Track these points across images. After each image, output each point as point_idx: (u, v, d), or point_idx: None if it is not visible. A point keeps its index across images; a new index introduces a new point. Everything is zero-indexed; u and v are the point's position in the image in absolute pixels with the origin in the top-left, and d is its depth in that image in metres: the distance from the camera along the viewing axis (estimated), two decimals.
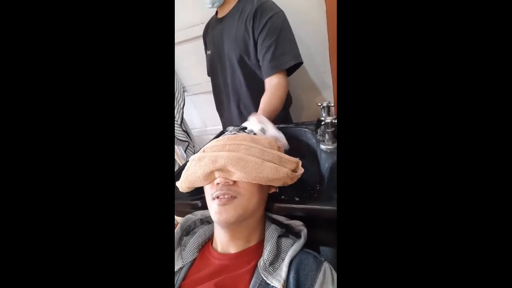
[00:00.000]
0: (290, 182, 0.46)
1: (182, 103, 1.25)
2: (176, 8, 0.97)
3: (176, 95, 1.22)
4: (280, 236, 0.44)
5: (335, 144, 0.59)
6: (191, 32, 1.13)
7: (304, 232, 0.44)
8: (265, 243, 0.42)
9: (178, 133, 1.25)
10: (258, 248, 0.43)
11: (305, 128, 0.75)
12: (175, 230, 0.49)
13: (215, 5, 0.80)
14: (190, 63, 1.23)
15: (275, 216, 0.49)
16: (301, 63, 0.76)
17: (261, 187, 0.44)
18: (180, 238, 0.49)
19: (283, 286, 0.36)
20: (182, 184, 0.48)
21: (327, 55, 0.98)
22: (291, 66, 0.75)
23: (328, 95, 1.07)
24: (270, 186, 0.47)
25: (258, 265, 0.39)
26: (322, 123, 0.62)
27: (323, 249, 0.55)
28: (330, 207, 0.42)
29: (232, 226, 0.42)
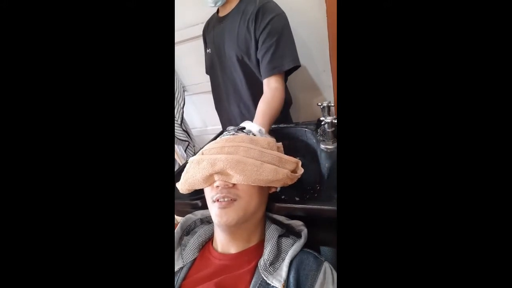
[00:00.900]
0: (290, 183, 0.46)
1: (182, 103, 1.25)
2: (176, 8, 0.97)
3: (176, 95, 1.22)
4: (280, 236, 0.44)
5: (335, 144, 0.59)
6: (191, 31, 1.13)
7: (304, 232, 0.44)
8: (265, 243, 0.42)
9: (178, 132, 1.25)
10: (259, 248, 0.43)
11: (305, 128, 0.75)
12: (175, 230, 0.49)
13: (217, 4, 0.80)
14: (190, 63, 1.23)
15: (275, 216, 0.49)
16: (299, 66, 0.76)
17: (261, 189, 0.44)
18: (181, 238, 0.49)
19: (283, 286, 0.36)
20: (182, 186, 0.48)
21: (327, 55, 0.98)
22: (289, 69, 0.75)
23: (328, 95, 1.07)
24: (270, 187, 0.47)
25: (259, 265, 0.39)
26: (322, 123, 0.62)
27: (323, 249, 0.55)
28: (330, 207, 0.42)
29: (233, 228, 0.42)
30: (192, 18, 1.10)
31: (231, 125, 0.72)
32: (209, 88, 1.00)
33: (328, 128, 0.59)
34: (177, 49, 1.19)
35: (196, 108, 1.39)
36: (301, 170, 0.48)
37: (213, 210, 0.42)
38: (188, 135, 1.30)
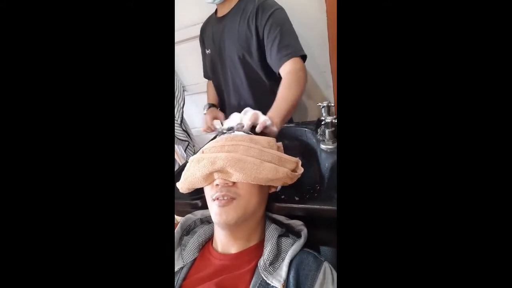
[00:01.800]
0: (290, 182, 0.46)
1: (182, 103, 1.25)
2: (176, 7, 0.97)
3: (176, 95, 1.22)
4: (280, 236, 0.44)
5: (335, 144, 0.59)
6: (191, 31, 1.13)
7: (304, 231, 0.44)
8: (265, 243, 0.42)
9: (178, 132, 1.24)
10: (258, 248, 0.43)
11: (305, 128, 0.75)
12: (175, 230, 0.49)
13: (215, 1, 0.80)
14: (190, 63, 1.22)
15: (275, 216, 0.49)
16: (306, 56, 0.76)
17: (261, 188, 0.44)
18: (180, 238, 0.49)
19: (283, 286, 0.36)
20: (182, 185, 0.48)
21: (327, 55, 0.98)
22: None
23: (328, 95, 1.07)
24: (270, 186, 0.47)
25: (258, 265, 0.39)
26: (322, 123, 0.62)
27: (323, 248, 0.55)
28: (330, 207, 0.42)
29: (232, 227, 0.42)
30: (192, 18, 1.10)
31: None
32: None
33: (328, 128, 0.59)
34: (177, 49, 1.19)
35: (196, 108, 1.39)
36: (301, 170, 0.48)
37: (213, 208, 0.42)
38: (188, 135, 1.30)
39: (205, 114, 0.91)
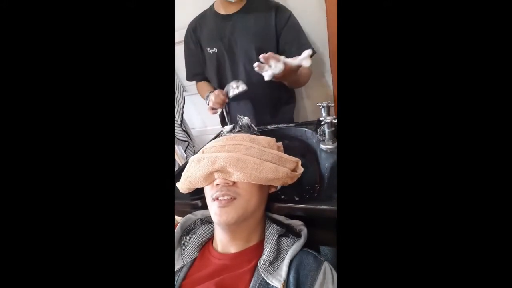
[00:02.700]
0: (290, 182, 0.46)
1: (182, 103, 1.25)
2: (176, 8, 0.97)
3: (176, 95, 1.22)
4: (280, 236, 0.44)
5: (335, 144, 0.59)
6: None
7: (304, 231, 0.44)
8: (265, 242, 0.42)
9: (178, 133, 1.24)
10: (258, 247, 0.43)
11: (305, 128, 0.75)
12: (175, 230, 0.49)
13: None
14: None
15: (275, 216, 0.49)
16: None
17: (261, 187, 0.44)
18: (180, 238, 0.49)
19: (283, 285, 0.36)
20: (182, 185, 0.48)
21: (327, 55, 0.98)
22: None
23: (328, 95, 1.07)
24: (270, 186, 0.47)
25: (258, 264, 0.39)
26: (322, 123, 0.62)
27: (323, 248, 0.55)
28: (330, 207, 0.42)
29: (233, 227, 0.42)
30: (192, 18, 1.10)
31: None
32: None
33: (328, 128, 0.59)
34: (177, 49, 1.19)
35: (196, 108, 1.39)
36: (301, 169, 0.48)
37: (213, 208, 0.42)
38: (188, 135, 1.30)
39: (208, 98, 0.87)
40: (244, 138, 0.48)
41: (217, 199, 0.42)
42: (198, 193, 0.51)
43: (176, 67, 1.27)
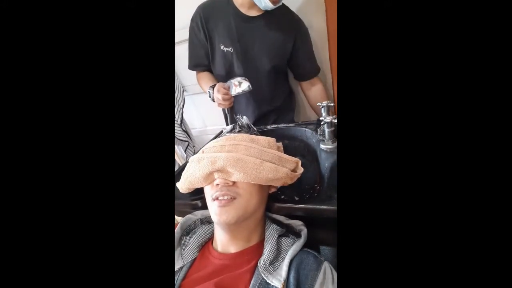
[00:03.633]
0: (290, 182, 0.46)
1: (182, 103, 1.25)
2: (176, 8, 0.97)
3: (176, 95, 1.22)
4: (280, 236, 0.44)
5: (335, 144, 0.59)
6: None
7: (304, 231, 0.44)
8: (265, 242, 0.42)
9: (178, 133, 1.24)
10: (258, 247, 0.43)
11: (305, 128, 0.75)
12: (175, 230, 0.49)
13: (267, 7, 0.77)
14: None
15: (275, 216, 0.49)
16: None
17: (261, 187, 0.44)
18: (180, 238, 0.49)
19: (283, 285, 0.36)
20: (182, 185, 0.48)
21: (327, 55, 0.98)
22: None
23: (328, 95, 1.07)
24: (270, 186, 0.47)
25: (258, 264, 0.39)
26: (322, 123, 0.62)
27: (323, 248, 0.55)
28: (330, 207, 0.42)
29: (232, 226, 0.42)
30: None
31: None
32: None
33: (328, 128, 0.59)
34: (177, 49, 1.19)
35: (196, 108, 1.39)
36: (301, 170, 0.48)
37: (213, 208, 0.42)
38: (188, 135, 1.30)
39: (210, 91, 0.83)
40: (244, 138, 0.48)
41: (217, 199, 0.42)
42: (198, 193, 0.51)
43: (176, 67, 1.27)
